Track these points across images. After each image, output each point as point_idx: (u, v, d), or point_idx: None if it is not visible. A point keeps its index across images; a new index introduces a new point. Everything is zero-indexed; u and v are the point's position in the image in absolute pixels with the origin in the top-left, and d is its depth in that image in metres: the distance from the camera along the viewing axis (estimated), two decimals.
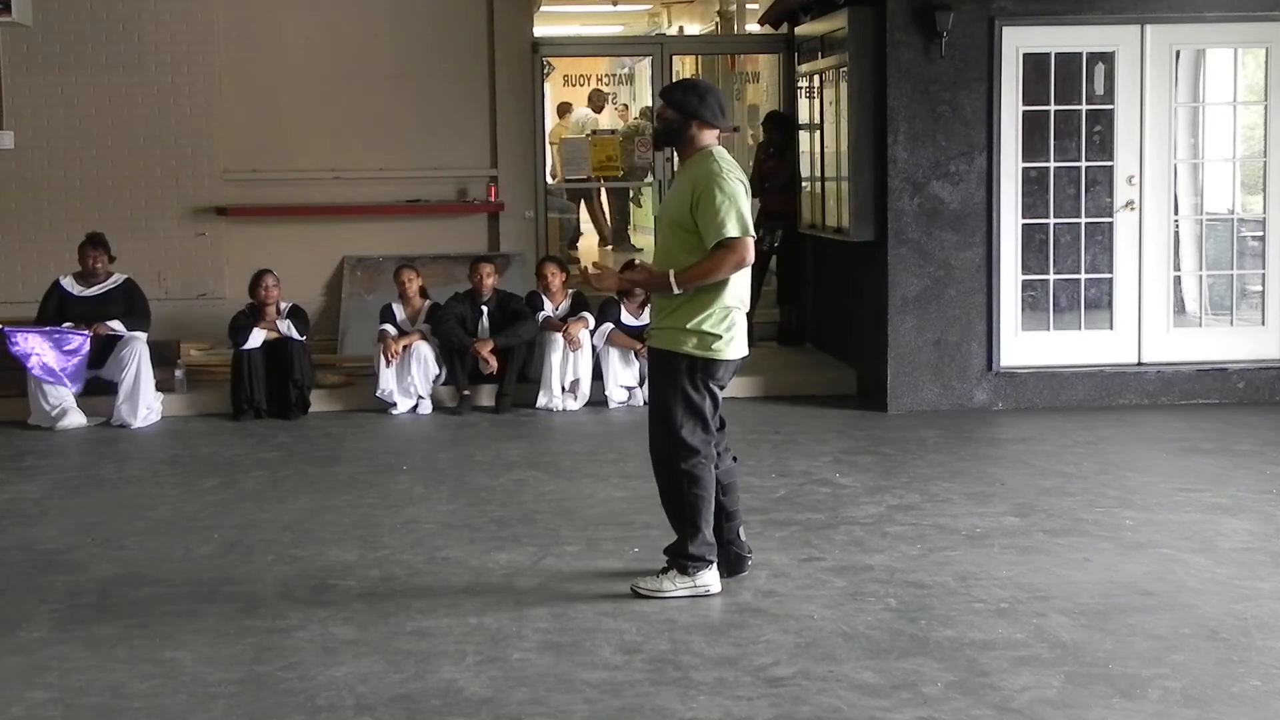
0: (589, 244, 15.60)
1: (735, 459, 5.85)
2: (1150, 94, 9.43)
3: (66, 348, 9.34)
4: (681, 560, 5.57)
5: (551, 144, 13.70)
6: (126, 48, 11.22)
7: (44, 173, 11.22)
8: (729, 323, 5.49)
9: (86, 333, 9.45)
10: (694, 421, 5.50)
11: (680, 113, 5.54)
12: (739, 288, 5.53)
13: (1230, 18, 9.44)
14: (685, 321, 5.45)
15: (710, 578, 5.60)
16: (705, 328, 5.45)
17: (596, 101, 15.44)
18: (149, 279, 10.58)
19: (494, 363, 9.69)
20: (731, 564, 5.76)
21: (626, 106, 16.05)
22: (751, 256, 5.44)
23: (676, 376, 5.50)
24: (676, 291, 5.41)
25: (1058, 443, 8.38)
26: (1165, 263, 9.55)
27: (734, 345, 5.52)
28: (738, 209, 5.39)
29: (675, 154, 5.75)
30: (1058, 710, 4.45)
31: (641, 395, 9.68)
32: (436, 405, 9.80)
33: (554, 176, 13.72)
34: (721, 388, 5.60)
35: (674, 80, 5.77)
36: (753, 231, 5.45)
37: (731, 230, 5.36)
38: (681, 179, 5.58)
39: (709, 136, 5.55)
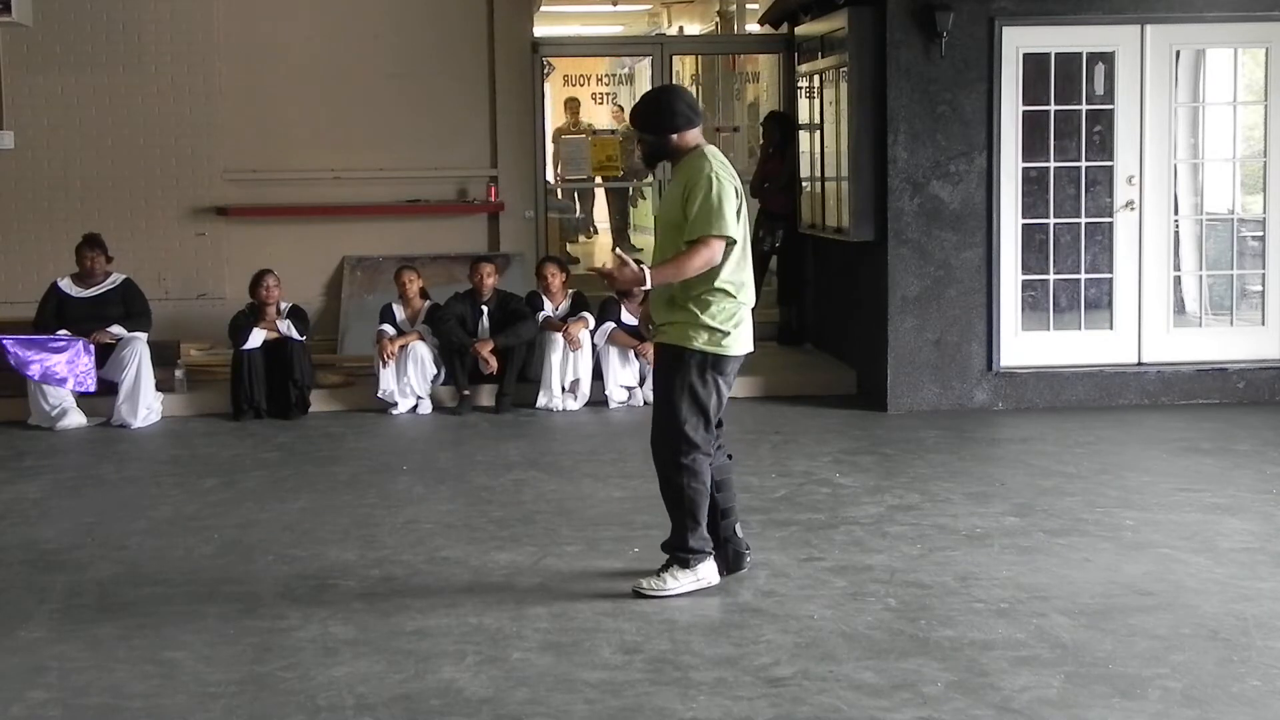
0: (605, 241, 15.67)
1: (730, 456, 5.86)
2: (1150, 94, 9.42)
3: (64, 354, 9.30)
4: (681, 554, 5.59)
5: (553, 142, 13.69)
6: (126, 48, 11.22)
7: (44, 173, 11.22)
8: (737, 319, 5.55)
9: (83, 339, 9.43)
10: (698, 417, 5.53)
11: (655, 134, 5.58)
12: (748, 284, 5.59)
13: (1230, 18, 9.44)
14: (696, 317, 5.48)
15: (709, 569, 5.63)
16: (716, 323, 5.49)
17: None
18: (149, 279, 10.58)
19: (494, 363, 9.69)
20: (730, 561, 5.77)
21: (622, 109, 16.02)
22: (719, 257, 5.43)
23: (685, 372, 5.52)
24: (648, 286, 5.45)
25: (1058, 443, 8.38)
26: (1165, 263, 9.55)
27: (741, 341, 5.58)
28: (721, 209, 5.41)
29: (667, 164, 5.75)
30: (1058, 710, 4.45)
31: (642, 395, 9.69)
32: (436, 405, 9.80)
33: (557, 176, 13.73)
34: (729, 384, 5.63)
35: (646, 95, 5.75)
36: (731, 232, 5.43)
37: (709, 229, 5.39)
38: (676, 180, 5.61)
39: (691, 138, 5.58)
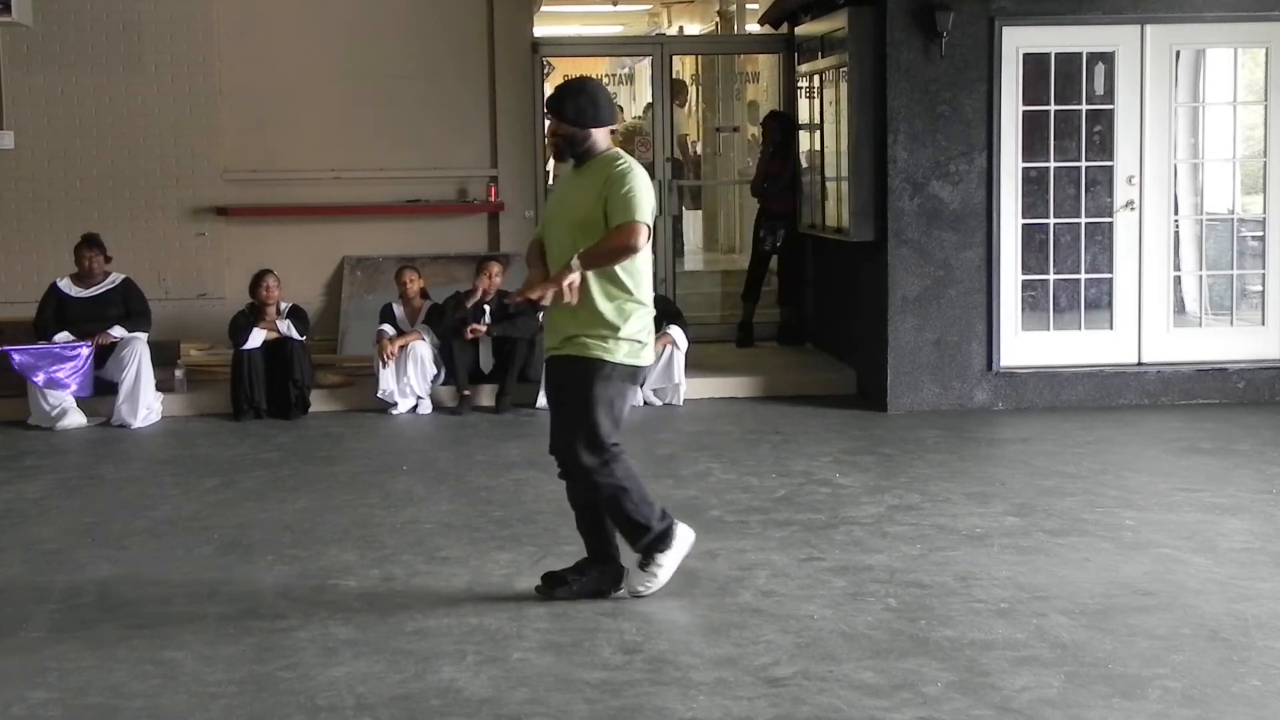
0: None
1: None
2: (1150, 94, 9.43)
3: (70, 362, 9.32)
4: (657, 542, 5.49)
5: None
6: (126, 48, 11.22)
7: (44, 173, 11.22)
8: (649, 328, 5.49)
9: (88, 344, 9.45)
10: (611, 422, 5.43)
11: (581, 126, 5.40)
12: (651, 290, 5.52)
13: (1230, 18, 9.44)
14: (615, 331, 5.37)
15: (681, 533, 5.55)
16: (635, 335, 5.41)
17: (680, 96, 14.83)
18: (149, 279, 10.58)
19: (481, 331, 9.71)
20: (616, 577, 5.61)
21: (621, 109, 15.96)
22: (641, 243, 5.30)
23: (605, 385, 5.38)
24: (577, 274, 5.26)
25: (1058, 443, 8.38)
26: (1165, 263, 9.55)
27: (651, 349, 5.53)
28: (644, 201, 5.31)
29: (573, 160, 5.52)
30: (1058, 710, 4.44)
31: (641, 395, 9.67)
32: (436, 405, 9.80)
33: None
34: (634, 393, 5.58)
35: (571, 88, 5.46)
36: (650, 223, 5.34)
37: (635, 214, 5.27)
38: (586, 180, 5.42)
39: (605, 136, 5.48)
